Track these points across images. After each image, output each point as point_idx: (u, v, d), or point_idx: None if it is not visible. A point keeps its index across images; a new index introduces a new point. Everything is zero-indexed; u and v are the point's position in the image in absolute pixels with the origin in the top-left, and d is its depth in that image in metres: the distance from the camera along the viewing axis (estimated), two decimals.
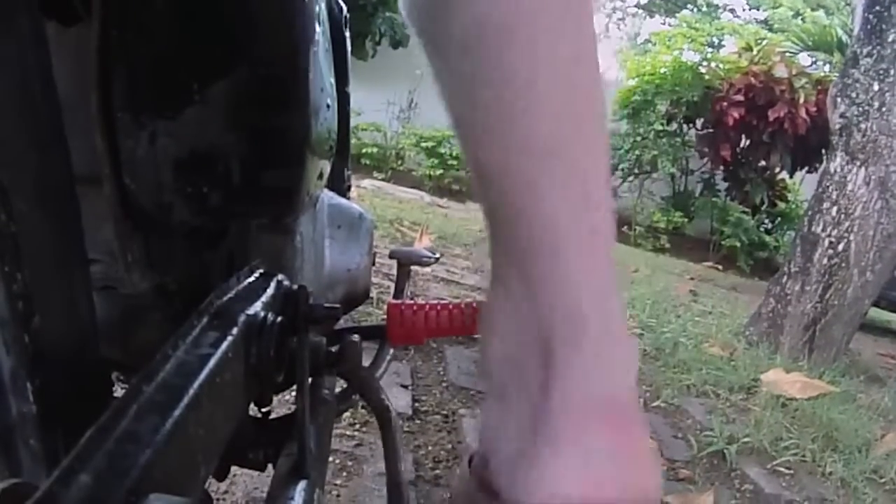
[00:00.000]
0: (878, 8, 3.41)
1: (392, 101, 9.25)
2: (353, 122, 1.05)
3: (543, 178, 0.36)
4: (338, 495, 1.33)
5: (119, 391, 0.34)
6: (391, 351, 0.83)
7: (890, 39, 3.33)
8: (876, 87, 3.35)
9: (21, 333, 0.29)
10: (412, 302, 0.67)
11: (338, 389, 0.69)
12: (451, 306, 0.65)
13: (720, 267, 8.25)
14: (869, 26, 3.45)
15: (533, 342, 0.37)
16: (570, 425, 0.35)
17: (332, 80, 0.62)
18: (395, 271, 0.93)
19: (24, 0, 0.30)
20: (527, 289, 0.37)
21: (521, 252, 0.37)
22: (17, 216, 0.28)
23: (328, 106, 0.58)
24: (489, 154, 0.37)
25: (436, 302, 0.66)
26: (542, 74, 0.35)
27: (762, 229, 9.26)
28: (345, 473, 1.42)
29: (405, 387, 1.97)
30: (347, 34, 0.95)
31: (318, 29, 0.53)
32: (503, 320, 0.39)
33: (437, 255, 1.01)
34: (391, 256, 0.93)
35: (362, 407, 1.60)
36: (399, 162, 9.50)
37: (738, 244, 8.65)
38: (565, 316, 0.36)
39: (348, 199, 1.07)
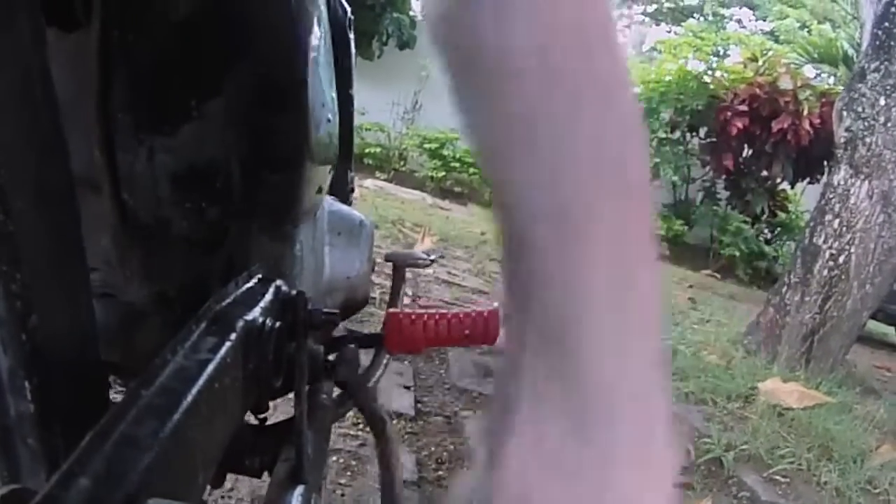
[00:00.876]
0: (886, 24, 3.41)
1: (397, 101, 9.25)
2: (356, 121, 1.05)
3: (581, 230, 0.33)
4: (342, 495, 1.33)
5: (118, 396, 0.34)
6: (388, 358, 0.83)
7: None
8: (882, 102, 3.36)
9: (19, 332, 0.29)
10: (411, 311, 0.66)
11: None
12: (450, 315, 0.64)
13: (719, 275, 8.24)
14: (877, 42, 3.45)
15: (554, 411, 0.33)
16: None
17: (334, 87, 0.62)
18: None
19: (25, 4, 0.30)
20: (542, 342, 0.34)
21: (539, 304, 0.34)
22: (16, 215, 0.28)
23: (329, 119, 0.58)
24: (526, 185, 0.34)
25: (434, 311, 0.65)
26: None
27: (762, 239, 9.25)
28: (349, 473, 1.42)
29: (407, 388, 1.97)
30: (352, 36, 0.95)
31: (318, 37, 0.53)
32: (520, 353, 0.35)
33: (433, 257, 1.02)
34: (387, 259, 0.93)
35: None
36: (402, 163, 9.48)
37: (738, 253, 8.64)
38: (588, 394, 0.33)
39: (351, 201, 1.07)
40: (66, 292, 0.33)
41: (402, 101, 9.31)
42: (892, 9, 3.40)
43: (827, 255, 3.46)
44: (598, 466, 0.33)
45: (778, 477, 2.07)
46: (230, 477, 0.58)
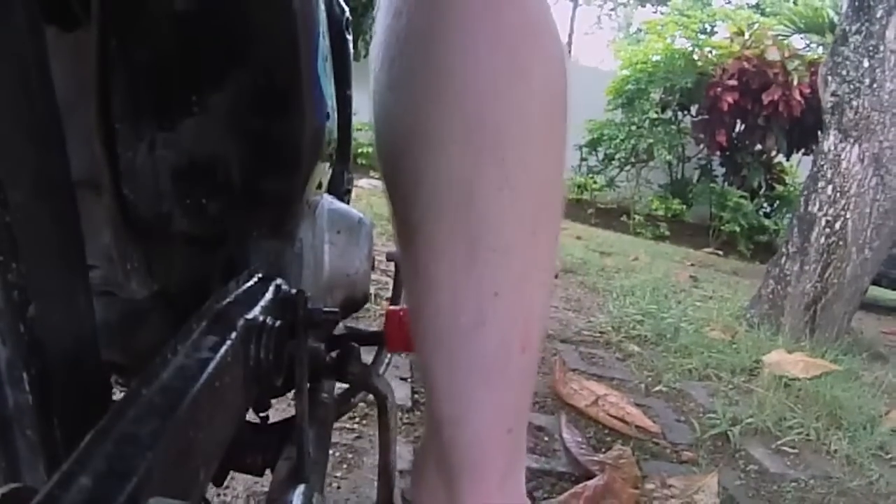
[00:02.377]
0: None
1: None
2: None
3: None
4: (338, 487, 1.34)
5: (118, 395, 0.35)
6: (389, 356, 0.84)
7: (878, 15, 3.32)
8: (866, 64, 3.35)
9: (17, 323, 0.29)
10: None
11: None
12: None
13: (721, 252, 8.24)
14: (857, 2, 3.43)
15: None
16: None
17: (333, 86, 0.63)
18: (392, 267, 0.93)
19: (23, 2, 0.30)
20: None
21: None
22: (14, 207, 0.29)
23: (328, 114, 0.58)
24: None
25: None
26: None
27: (761, 213, 9.26)
28: (345, 466, 1.43)
29: (404, 379, 1.97)
30: (350, 37, 0.94)
31: (318, 37, 0.53)
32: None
33: None
34: (388, 259, 0.93)
35: (361, 401, 1.61)
36: None
37: (738, 229, 8.65)
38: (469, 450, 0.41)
39: (348, 202, 1.07)
40: (64, 282, 0.33)
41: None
42: None
43: (823, 222, 3.45)
44: None
45: (786, 448, 2.06)
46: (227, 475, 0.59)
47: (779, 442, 2.09)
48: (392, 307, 0.69)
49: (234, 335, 0.41)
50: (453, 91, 0.37)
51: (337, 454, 1.45)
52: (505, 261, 0.37)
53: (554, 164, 0.39)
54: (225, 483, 1.23)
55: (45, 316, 0.30)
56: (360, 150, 8.85)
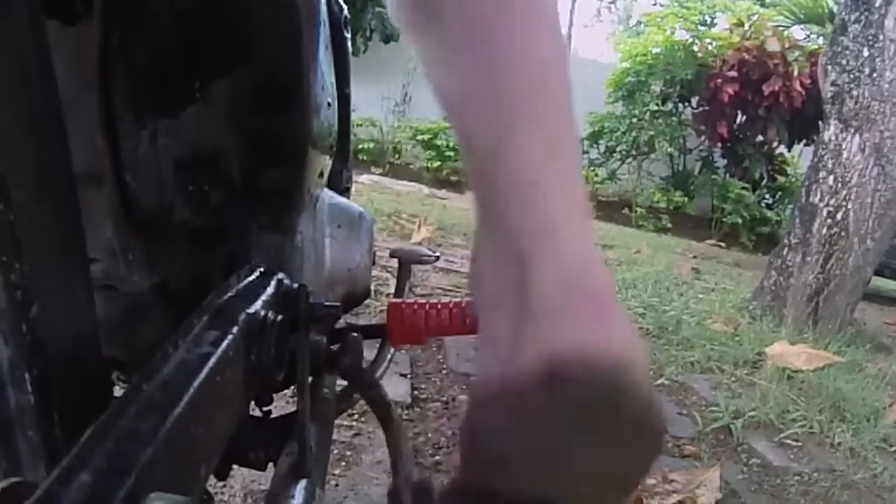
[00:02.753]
0: None
1: (386, 95, 9.23)
2: None
3: (518, 121, 0.39)
4: (336, 485, 1.34)
5: (119, 390, 0.35)
6: (392, 350, 0.83)
7: (877, 4, 3.31)
8: (866, 53, 3.34)
9: (19, 323, 0.29)
10: (413, 301, 0.66)
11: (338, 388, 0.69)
12: (451, 305, 0.64)
13: (723, 244, 8.24)
14: None
15: (511, 255, 0.38)
16: (549, 310, 0.36)
17: (332, 80, 0.63)
18: (392, 263, 0.93)
19: None
20: (504, 218, 0.39)
21: (500, 194, 0.40)
22: (15, 205, 0.28)
23: (328, 104, 0.58)
24: (467, 108, 0.41)
25: (437, 301, 0.65)
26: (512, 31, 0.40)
27: (763, 204, 9.25)
28: (343, 463, 1.43)
29: (404, 375, 1.97)
30: (348, 35, 0.94)
31: (318, 29, 0.53)
32: (485, 251, 0.42)
33: (438, 254, 1.02)
34: (392, 255, 0.94)
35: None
36: (396, 156, 9.48)
37: (740, 220, 8.64)
38: (537, 223, 0.38)
39: (348, 198, 1.07)
40: (66, 282, 0.33)
41: (391, 94, 9.29)
42: None
43: (825, 213, 3.45)
44: None
45: (789, 441, 2.06)
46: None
47: (782, 435, 2.08)
48: (394, 300, 0.69)
49: (235, 330, 0.41)
50: None
51: (335, 451, 1.45)
52: None
53: None
54: (223, 482, 1.24)
55: (48, 315, 0.30)
56: (360, 147, 8.86)
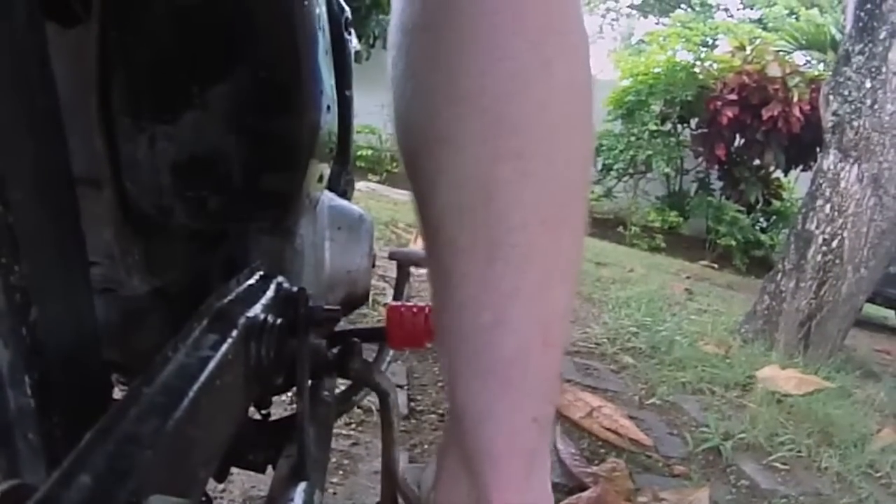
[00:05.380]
0: (869, 6, 3.41)
1: (386, 103, 9.20)
2: None
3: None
4: (334, 493, 1.34)
5: (119, 393, 0.34)
6: (391, 353, 0.83)
7: (881, 37, 3.34)
8: (868, 85, 3.36)
9: (19, 326, 0.29)
10: (412, 304, 0.66)
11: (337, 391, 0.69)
12: None
13: (716, 266, 8.26)
14: (861, 24, 3.45)
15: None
16: None
17: (332, 83, 0.62)
18: (390, 273, 0.93)
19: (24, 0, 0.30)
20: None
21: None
22: (15, 207, 0.28)
23: (328, 108, 0.58)
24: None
25: None
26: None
27: (757, 228, 9.28)
28: (341, 472, 1.43)
29: (401, 387, 1.97)
30: (353, 37, 0.94)
31: (317, 32, 0.53)
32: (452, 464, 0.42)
33: None
34: (391, 258, 0.93)
35: (358, 406, 1.61)
36: (394, 164, 9.47)
37: (734, 243, 8.66)
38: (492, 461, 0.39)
39: None
40: (65, 284, 0.33)
41: (390, 102, 9.27)
42: None
43: (820, 240, 3.46)
44: None
45: (777, 464, 2.07)
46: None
47: (770, 457, 2.09)
48: (393, 303, 0.68)
49: (234, 333, 0.40)
50: (471, 86, 0.35)
51: (333, 460, 1.45)
52: (526, 259, 0.36)
53: (577, 160, 0.38)
54: (222, 486, 1.23)
55: (48, 318, 0.30)
56: (358, 153, 8.87)
